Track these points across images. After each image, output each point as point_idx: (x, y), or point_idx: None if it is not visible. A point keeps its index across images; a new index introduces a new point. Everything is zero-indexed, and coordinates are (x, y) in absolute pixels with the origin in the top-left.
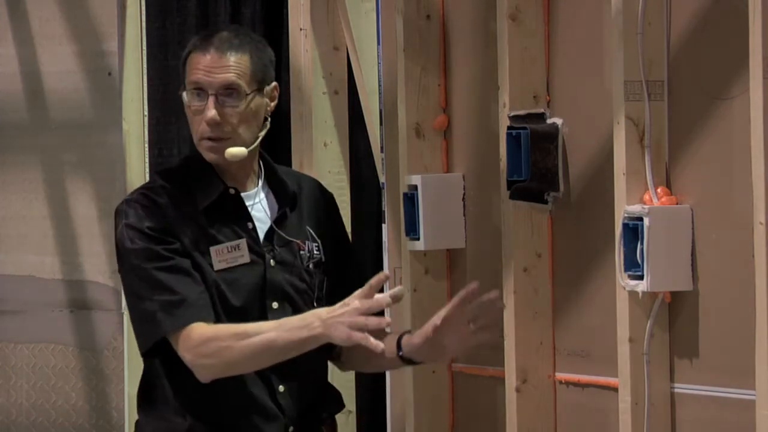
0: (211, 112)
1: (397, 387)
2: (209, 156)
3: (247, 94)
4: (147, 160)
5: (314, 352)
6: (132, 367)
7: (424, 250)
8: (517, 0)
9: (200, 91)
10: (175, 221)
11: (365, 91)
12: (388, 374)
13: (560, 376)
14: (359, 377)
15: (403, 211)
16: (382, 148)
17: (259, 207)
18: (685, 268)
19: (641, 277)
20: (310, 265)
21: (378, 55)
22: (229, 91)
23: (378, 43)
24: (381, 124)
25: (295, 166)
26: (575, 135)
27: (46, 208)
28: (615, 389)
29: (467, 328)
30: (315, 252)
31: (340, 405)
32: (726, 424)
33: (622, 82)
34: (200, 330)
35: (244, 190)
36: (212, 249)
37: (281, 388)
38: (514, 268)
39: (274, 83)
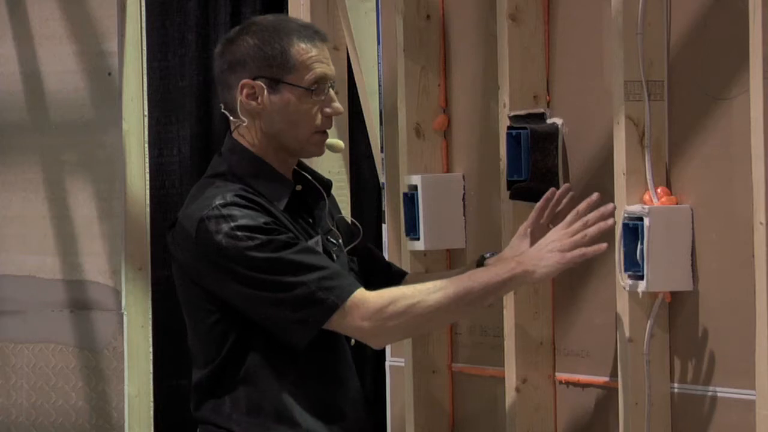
0: (340, 105)
1: (397, 387)
2: (321, 150)
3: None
4: (147, 160)
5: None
6: (132, 367)
7: (424, 250)
8: (517, 0)
9: (321, 84)
10: (280, 217)
11: (365, 91)
12: (388, 374)
13: (560, 376)
14: (359, 377)
15: (403, 211)
16: (382, 148)
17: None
18: (685, 268)
19: (641, 277)
20: (352, 263)
21: (378, 55)
22: (334, 83)
23: (378, 43)
24: (381, 124)
25: None
26: (575, 135)
27: (46, 208)
28: (615, 389)
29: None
30: (339, 241)
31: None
32: (726, 424)
33: (622, 82)
34: (374, 295)
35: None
36: (310, 242)
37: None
38: None
39: None
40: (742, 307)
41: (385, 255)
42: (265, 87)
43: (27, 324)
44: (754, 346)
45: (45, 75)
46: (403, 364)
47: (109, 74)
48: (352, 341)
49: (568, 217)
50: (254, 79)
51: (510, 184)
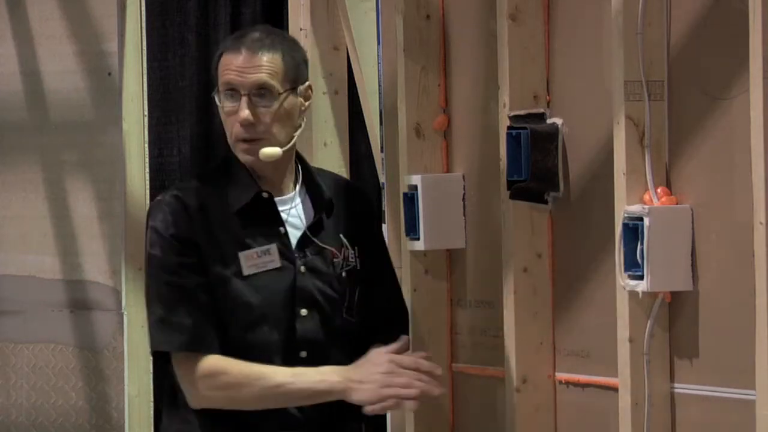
0: (245, 113)
1: None
2: (244, 158)
3: (279, 94)
4: (147, 160)
5: (338, 357)
6: (132, 367)
7: (424, 250)
8: (517, 0)
9: (233, 92)
10: (203, 228)
11: (365, 91)
12: None
13: (560, 376)
14: None
15: (403, 211)
16: (382, 148)
17: (295, 212)
18: (685, 268)
19: (641, 277)
20: (343, 273)
21: (378, 55)
22: (261, 91)
23: (378, 43)
24: (381, 124)
25: None
26: (575, 135)
27: (46, 208)
28: (615, 389)
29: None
30: (350, 259)
31: (362, 417)
32: (726, 424)
33: (622, 82)
34: (208, 362)
35: (280, 194)
36: (241, 255)
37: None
38: (514, 268)
39: (307, 83)
40: (742, 307)
41: None
42: (216, 97)
43: (27, 324)
44: (754, 346)
45: (45, 75)
46: None
47: (109, 74)
48: (303, 353)
49: (406, 359)
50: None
51: (510, 184)
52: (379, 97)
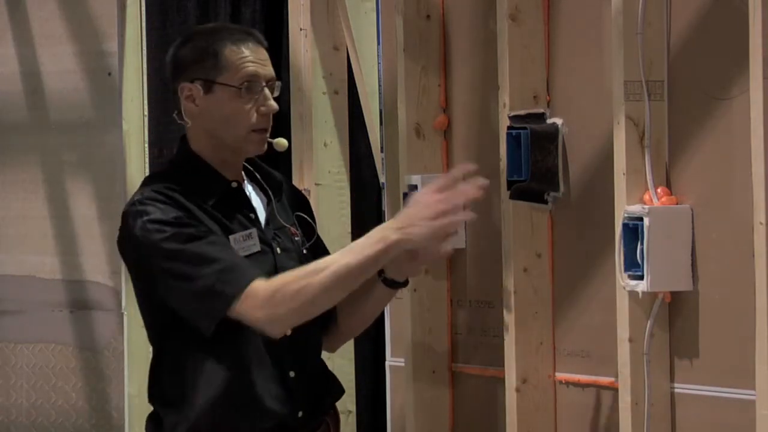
0: (274, 103)
1: (397, 387)
2: (260, 148)
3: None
4: (147, 160)
5: (317, 337)
6: (132, 367)
7: None
8: (517, 0)
9: (251, 83)
10: (196, 212)
11: (365, 91)
12: (388, 374)
13: (560, 376)
14: (359, 377)
15: None
16: (382, 148)
17: (254, 197)
18: (685, 268)
19: (641, 277)
20: (304, 250)
21: (378, 55)
22: (271, 83)
23: (378, 43)
24: (381, 124)
25: (295, 166)
26: (575, 135)
27: (46, 208)
28: (615, 389)
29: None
30: (297, 237)
31: (341, 391)
32: (726, 424)
33: (622, 82)
34: (264, 284)
35: (241, 182)
36: (231, 238)
37: (292, 373)
38: (514, 268)
39: None
40: (742, 307)
41: None
42: (201, 89)
43: (27, 324)
44: (754, 346)
45: (45, 75)
46: (403, 364)
47: (109, 74)
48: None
49: (440, 181)
50: (191, 82)
51: (510, 184)
52: (379, 97)
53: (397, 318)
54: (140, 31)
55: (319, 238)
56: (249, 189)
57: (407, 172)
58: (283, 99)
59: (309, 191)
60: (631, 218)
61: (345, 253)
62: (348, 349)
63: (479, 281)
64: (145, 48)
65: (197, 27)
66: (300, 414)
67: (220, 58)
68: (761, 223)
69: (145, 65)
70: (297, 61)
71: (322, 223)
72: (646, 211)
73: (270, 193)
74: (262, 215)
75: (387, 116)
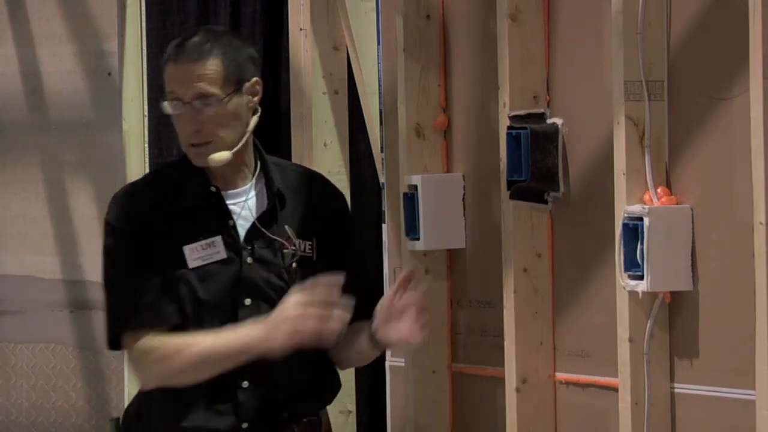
0: (188, 122)
1: (397, 387)
2: (197, 161)
3: (221, 99)
4: (147, 159)
5: (295, 351)
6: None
7: (424, 250)
8: (517, 0)
9: (178, 100)
10: (153, 221)
11: (365, 91)
12: (388, 374)
13: (560, 376)
14: (359, 377)
15: (403, 211)
16: (382, 148)
17: (247, 204)
18: (685, 268)
19: (641, 277)
20: (293, 264)
21: (378, 55)
22: (203, 98)
23: (378, 43)
24: (381, 124)
25: None
26: (575, 135)
27: (46, 208)
28: (615, 389)
29: (410, 321)
30: (307, 249)
31: (320, 403)
32: (726, 424)
33: (622, 82)
34: (146, 340)
35: (234, 188)
36: (185, 248)
37: (245, 384)
38: (514, 268)
39: (254, 78)
40: (742, 307)
41: (385, 255)
42: (164, 103)
43: (27, 324)
44: (754, 346)
45: (45, 75)
46: (403, 364)
47: (109, 74)
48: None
49: (316, 292)
50: None
51: (510, 184)
52: (379, 97)
53: None
54: (140, 31)
55: (343, 251)
56: (252, 193)
57: (407, 172)
58: (283, 99)
59: None
60: (631, 218)
61: (215, 337)
62: None
63: (479, 281)
64: (145, 48)
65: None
66: (245, 426)
67: (164, 75)
68: (761, 223)
69: (145, 65)
70: (297, 61)
71: None
72: (646, 211)
73: (276, 200)
74: (250, 222)
75: (387, 116)
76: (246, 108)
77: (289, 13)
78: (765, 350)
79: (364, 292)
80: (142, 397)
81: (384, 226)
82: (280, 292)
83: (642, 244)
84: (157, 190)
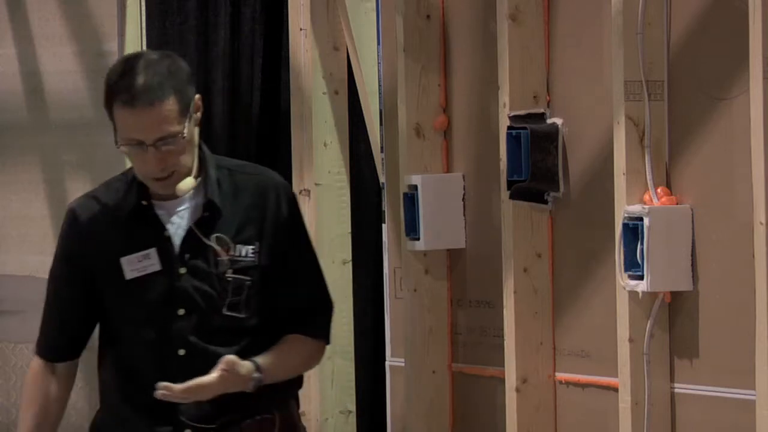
0: (154, 165)
1: (397, 387)
2: (163, 191)
3: (183, 135)
4: None
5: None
6: None
7: (424, 250)
8: (517, 0)
9: (139, 144)
10: (92, 238)
11: (365, 91)
12: (388, 374)
13: (560, 376)
14: (359, 377)
15: (403, 211)
16: (382, 148)
17: (186, 214)
18: (685, 268)
19: (641, 277)
20: (229, 271)
21: (378, 55)
22: (167, 138)
23: (378, 43)
24: (381, 124)
25: (295, 166)
26: (575, 135)
27: (46, 208)
28: (615, 389)
29: None
30: (250, 255)
31: (274, 402)
32: (726, 424)
33: (622, 82)
34: (33, 364)
35: (174, 198)
36: (122, 260)
37: None
38: (514, 268)
39: (197, 96)
40: (742, 307)
41: (385, 255)
42: (116, 138)
43: (27, 324)
44: (754, 346)
45: (45, 75)
46: (403, 364)
47: None
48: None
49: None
50: None
51: (510, 184)
52: (379, 97)
53: (397, 318)
54: (140, 31)
55: (291, 255)
56: (191, 203)
57: (407, 172)
58: (283, 99)
59: (309, 191)
60: (631, 218)
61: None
62: (348, 349)
63: (479, 281)
64: (145, 48)
65: (121, 63)
66: None
67: (113, 115)
68: (761, 223)
69: None
70: (297, 61)
71: (323, 223)
72: (646, 211)
73: (210, 209)
74: (183, 232)
75: (387, 116)
76: (195, 130)
77: (289, 13)
78: (765, 350)
79: (307, 301)
80: (99, 409)
81: (384, 226)
82: (211, 301)
83: (642, 244)
84: (102, 203)
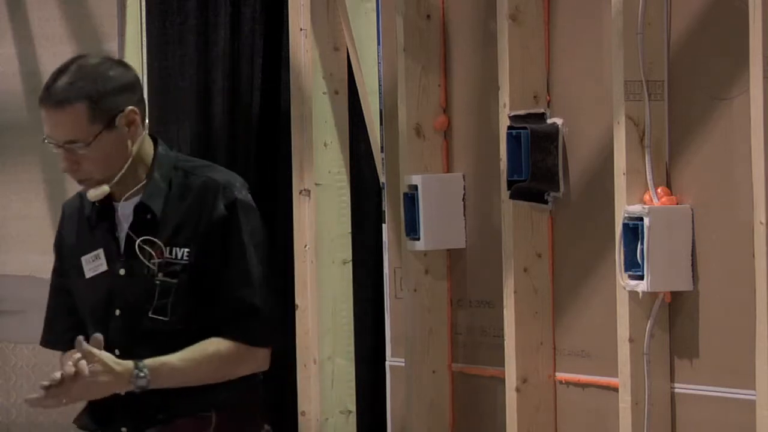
0: (62, 165)
1: (397, 387)
2: (90, 195)
3: (88, 143)
4: None
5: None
6: None
7: (424, 250)
8: (517, 0)
9: (52, 142)
10: (70, 234)
11: (365, 91)
12: (388, 374)
13: (560, 376)
14: (359, 377)
15: (403, 211)
16: (382, 148)
17: (132, 216)
18: (685, 268)
19: (641, 277)
20: (159, 274)
21: (378, 55)
22: (71, 143)
23: (378, 43)
24: (381, 124)
25: (295, 167)
26: (575, 135)
27: (46, 207)
28: (615, 389)
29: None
30: (184, 258)
31: (214, 401)
32: (726, 424)
33: (622, 82)
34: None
35: (128, 199)
36: (82, 258)
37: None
38: (514, 268)
39: (128, 109)
40: (742, 307)
41: (385, 255)
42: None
43: (27, 324)
44: (754, 346)
45: (45, 75)
46: (403, 364)
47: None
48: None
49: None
50: None
51: (510, 184)
52: (379, 97)
53: (397, 318)
54: (140, 31)
55: (221, 258)
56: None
57: (407, 172)
58: (283, 99)
59: (309, 191)
60: (631, 218)
61: None
62: (348, 349)
63: (479, 281)
64: (145, 48)
65: (64, 63)
66: (124, 430)
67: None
68: (761, 223)
69: (145, 65)
70: (297, 61)
71: (323, 223)
72: (646, 211)
73: (142, 212)
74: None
75: (387, 116)
76: (122, 141)
77: (289, 13)
78: (765, 350)
79: (233, 304)
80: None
81: (384, 226)
82: (140, 304)
83: (642, 244)
84: (82, 201)
